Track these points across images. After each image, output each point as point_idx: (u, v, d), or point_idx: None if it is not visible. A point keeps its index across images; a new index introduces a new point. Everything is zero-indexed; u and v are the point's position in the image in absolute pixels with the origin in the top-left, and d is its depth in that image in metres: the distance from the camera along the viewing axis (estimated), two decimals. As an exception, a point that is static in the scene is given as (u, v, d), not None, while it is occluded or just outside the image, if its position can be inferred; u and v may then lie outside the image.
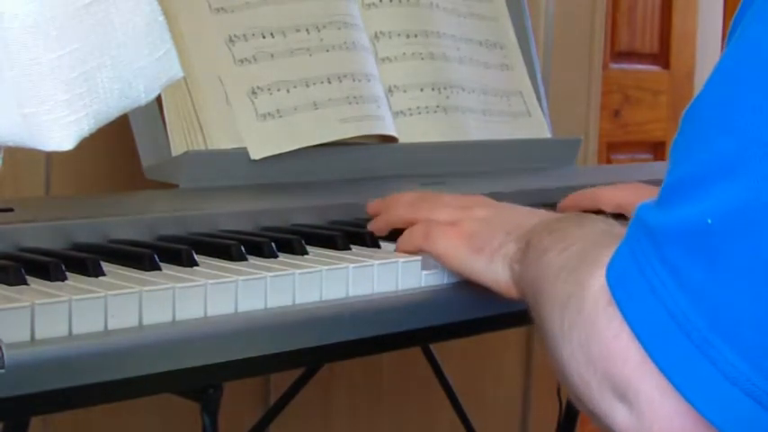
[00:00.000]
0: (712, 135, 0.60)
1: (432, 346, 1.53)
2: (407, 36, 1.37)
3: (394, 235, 1.01)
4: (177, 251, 0.89)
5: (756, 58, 0.59)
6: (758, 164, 0.57)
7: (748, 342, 0.57)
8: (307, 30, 1.25)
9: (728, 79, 0.61)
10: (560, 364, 0.67)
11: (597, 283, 0.64)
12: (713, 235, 0.58)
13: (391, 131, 1.30)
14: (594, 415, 0.65)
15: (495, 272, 0.89)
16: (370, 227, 1.04)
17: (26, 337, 0.72)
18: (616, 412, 0.62)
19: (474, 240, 0.93)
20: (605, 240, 0.70)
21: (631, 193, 1.15)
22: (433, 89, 1.37)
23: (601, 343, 0.62)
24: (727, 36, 0.64)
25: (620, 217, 1.15)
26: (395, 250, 0.98)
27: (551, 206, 1.14)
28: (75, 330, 0.74)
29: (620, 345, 0.61)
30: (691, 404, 0.58)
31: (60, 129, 0.56)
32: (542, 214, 0.91)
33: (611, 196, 1.17)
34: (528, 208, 0.95)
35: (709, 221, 0.58)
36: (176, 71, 0.60)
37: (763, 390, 0.57)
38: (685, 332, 0.58)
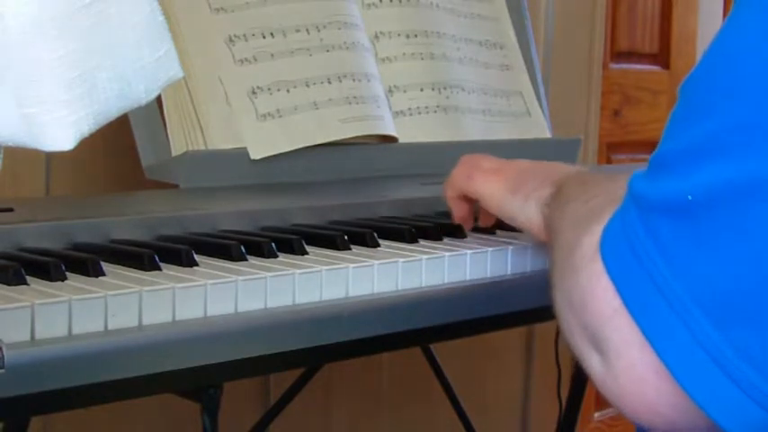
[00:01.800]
0: (703, 113, 0.63)
1: (432, 346, 1.53)
2: (407, 36, 1.37)
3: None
4: (177, 251, 0.89)
5: (749, 43, 0.61)
6: (743, 146, 0.60)
7: (720, 312, 0.60)
8: (307, 30, 1.25)
9: (724, 57, 0.63)
10: (555, 309, 0.71)
11: (591, 238, 0.67)
12: (694, 210, 0.61)
13: (391, 131, 1.30)
14: (577, 357, 0.68)
15: (528, 213, 0.94)
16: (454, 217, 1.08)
17: (26, 337, 0.72)
18: (591, 359, 0.66)
19: (512, 183, 0.98)
20: (616, 194, 0.73)
21: None
22: (433, 89, 1.37)
23: (580, 292, 0.66)
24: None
25: None
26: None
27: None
28: (75, 330, 0.74)
29: (596, 295, 0.64)
30: (660, 359, 0.61)
31: (60, 129, 0.56)
32: (571, 167, 0.96)
33: None
34: (558, 163, 1.00)
35: (690, 198, 0.61)
36: (176, 71, 0.60)
37: (728, 357, 0.60)
38: (664, 295, 0.61)
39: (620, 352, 0.63)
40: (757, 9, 0.62)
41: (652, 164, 0.65)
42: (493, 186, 1.01)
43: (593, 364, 0.66)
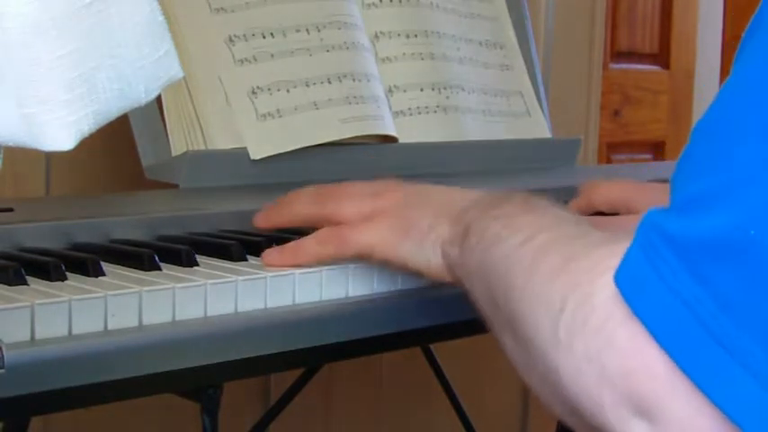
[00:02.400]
0: (736, 143, 0.57)
1: (432, 346, 1.53)
2: (407, 36, 1.37)
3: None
4: (177, 251, 0.89)
5: None
6: None
7: None
8: (307, 30, 1.25)
9: (750, 87, 0.59)
10: (551, 371, 0.64)
11: (606, 291, 0.60)
12: (755, 246, 0.55)
13: (391, 131, 1.30)
14: (599, 427, 0.62)
15: (425, 256, 0.83)
16: (256, 221, 0.95)
17: (26, 337, 0.72)
18: (633, 429, 0.59)
19: (399, 223, 0.86)
20: (585, 236, 0.67)
21: (626, 190, 1.11)
22: (433, 89, 1.37)
23: (621, 357, 0.59)
24: (742, 38, 0.63)
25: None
26: (264, 263, 0.88)
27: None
28: (75, 330, 0.74)
29: (645, 359, 0.58)
30: (734, 422, 0.56)
31: (60, 129, 0.56)
32: (466, 194, 0.85)
33: (605, 193, 1.12)
34: (443, 187, 0.88)
35: (753, 233, 0.55)
36: (176, 71, 0.60)
37: None
38: (726, 348, 0.56)
39: (685, 421, 0.57)
40: None
41: (683, 203, 0.59)
42: (375, 235, 0.87)
43: None
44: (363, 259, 0.89)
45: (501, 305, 0.70)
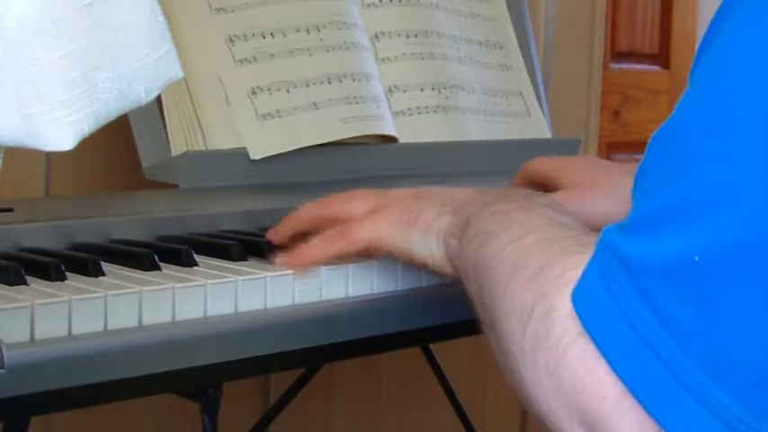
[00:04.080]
0: (693, 164, 0.58)
1: (432, 346, 1.53)
2: (407, 36, 1.37)
3: None
4: (177, 251, 0.89)
5: (738, 86, 0.57)
6: (746, 195, 0.55)
7: (740, 383, 0.56)
8: (307, 30, 1.25)
9: (704, 107, 0.59)
10: (519, 377, 0.65)
11: (566, 306, 0.61)
12: (700, 273, 0.56)
13: (391, 131, 1.30)
14: None
15: (429, 247, 0.83)
16: (269, 235, 0.95)
17: (26, 337, 0.72)
18: None
19: (405, 215, 0.86)
20: (563, 240, 0.67)
21: (559, 161, 1.07)
22: (432, 89, 1.37)
23: (573, 375, 0.60)
24: (695, 57, 0.62)
25: None
26: (286, 260, 0.88)
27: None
28: (75, 330, 0.74)
29: (595, 379, 0.59)
30: None
31: (60, 129, 0.56)
32: (471, 190, 0.85)
33: (537, 166, 1.09)
34: (456, 189, 0.88)
35: (697, 259, 0.56)
36: (176, 71, 0.60)
37: (754, 430, 0.56)
38: (673, 372, 0.57)
39: None
40: (749, 50, 0.57)
41: (638, 222, 0.60)
42: (380, 225, 0.87)
43: None
44: (371, 253, 0.89)
45: (486, 304, 0.71)
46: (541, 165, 1.08)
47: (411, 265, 0.88)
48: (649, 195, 0.60)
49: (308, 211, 0.94)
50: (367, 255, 0.89)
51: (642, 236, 0.58)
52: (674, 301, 0.57)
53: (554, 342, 0.61)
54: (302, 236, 0.93)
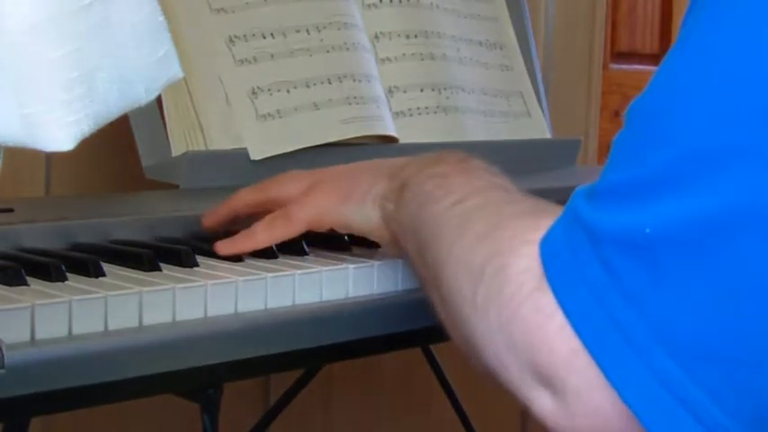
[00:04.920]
0: (656, 143, 0.60)
1: (432, 347, 1.53)
2: (407, 36, 1.37)
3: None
4: (177, 251, 0.89)
5: (707, 64, 0.59)
6: (702, 179, 0.57)
7: (685, 351, 0.58)
8: (307, 30, 1.25)
9: (679, 82, 0.61)
10: (468, 334, 0.66)
11: (522, 262, 0.63)
12: (653, 245, 0.58)
13: (391, 132, 1.30)
14: (509, 391, 0.65)
15: (366, 214, 0.85)
16: (204, 221, 0.95)
17: (26, 337, 0.72)
18: (537, 397, 0.62)
19: (340, 188, 0.88)
20: (513, 204, 0.69)
21: None
22: (433, 89, 1.37)
23: (526, 329, 0.62)
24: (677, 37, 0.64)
25: None
26: (229, 246, 0.89)
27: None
28: (75, 330, 0.74)
29: (547, 333, 0.61)
30: (623, 400, 0.59)
31: (60, 129, 0.56)
32: (405, 157, 0.87)
33: None
34: (390, 159, 0.90)
35: (648, 231, 0.58)
36: (176, 71, 0.60)
37: (695, 397, 0.58)
38: (624, 335, 0.59)
39: (581, 394, 0.60)
40: (710, 30, 0.59)
41: (601, 191, 0.62)
42: (320, 203, 0.89)
43: (542, 402, 0.62)
44: (313, 229, 0.90)
45: (429, 263, 0.72)
46: None
47: (348, 233, 0.90)
48: (616, 166, 0.62)
49: (244, 197, 0.95)
50: (309, 229, 0.91)
51: (605, 204, 0.61)
52: (628, 270, 0.59)
53: (507, 297, 0.63)
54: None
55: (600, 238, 0.60)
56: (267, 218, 0.91)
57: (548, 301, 0.61)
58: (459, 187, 0.73)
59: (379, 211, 0.84)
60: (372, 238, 0.87)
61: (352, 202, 0.87)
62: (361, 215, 0.86)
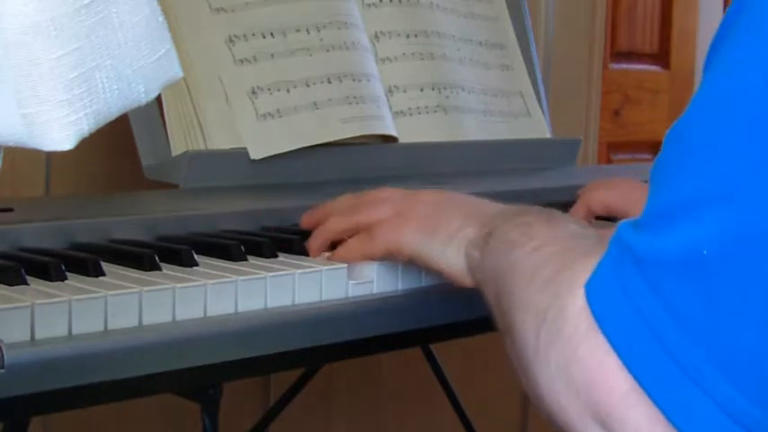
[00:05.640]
0: (703, 159, 0.59)
1: (432, 347, 1.53)
2: (407, 36, 1.37)
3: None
4: (177, 251, 0.89)
5: (748, 80, 0.58)
6: (753, 190, 0.56)
7: (747, 375, 0.56)
8: (307, 30, 1.25)
9: (717, 102, 0.59)
10: (533, 379, 0.65)
11: (578, 303, 0.62)
12: (707, 266, 0.57)
13: (391, 131, 1.30)
14: None
15: (449, 257, 0.84)
16: (309, 247, 0.96)
17: (26, 337, 0.72)
18: None
19: (427, 223, 0.87)
20: (581, 248, 0.68)
21: (623, 194, 1.11)
22: (433, 89, 1.37)
23: (584, 369, 0.61)
24: (708, 53, 0.63)
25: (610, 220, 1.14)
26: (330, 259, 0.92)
27: (552, 206, 1.13)
28: (75, 330, 0.74)
29: (605, 373, 0.60)
30: None
31: (60, 129, 0.56)
32: (496, 203, 0.87)
33: (602, 198, 1.13)
34: (481, 199, 0.90)
35: (705, 252, 0.56)
36: (176, 71, 0.60)
37: (762, 424, 0.56)
38: (681, 366, 0.57)
39: None
40: (757, 46, 0.58)
41: (649, 217, 0.60)
42: (403, 231, 0.89)
43: None
44: (391, 257, 0.90)
45: (504, 310, 0.71)
46: (607, 198, 1.10)
47: (425, 269, 0.90)
48: (661, 190, 0.61)
49: (336, 225, 0.96)
50: (387, 257, 0.91)
51: (653, 230, 0.59)
52: (683, 295, 0.57)
53: (565, 338, 0.62)
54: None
55: (649, 264, 0.59)
56: (358, 236, 0.93)
57: (603, 340, 0.60)
58: (540, 235, 0.73)
59: (464, 258, 0.83)
60: (455, 282, 0.85)
61: (436, 240, 0.86)
62: (445, 256, 0.85)
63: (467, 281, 0.83)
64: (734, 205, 0.57)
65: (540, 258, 0.69)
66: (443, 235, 0.85)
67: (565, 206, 1.11)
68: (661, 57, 2.51)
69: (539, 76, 1.53)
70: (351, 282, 0.90)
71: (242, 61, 1.20)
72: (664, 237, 0.58)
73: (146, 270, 0.85)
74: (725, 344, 0.57)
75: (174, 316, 0.79)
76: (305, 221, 1.00)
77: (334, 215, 0.97)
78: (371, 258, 0.91)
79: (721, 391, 0.57)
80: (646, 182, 0.66)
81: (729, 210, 0.57)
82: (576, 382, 0.61)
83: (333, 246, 0.96)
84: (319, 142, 1.23)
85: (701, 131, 0.60)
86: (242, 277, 0.84)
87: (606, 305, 0.60)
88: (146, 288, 0.79)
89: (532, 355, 0.65)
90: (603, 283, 0.61)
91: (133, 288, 0.78)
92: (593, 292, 0.61)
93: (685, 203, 0.58)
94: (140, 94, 0.59)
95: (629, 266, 0.59)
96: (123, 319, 0.77)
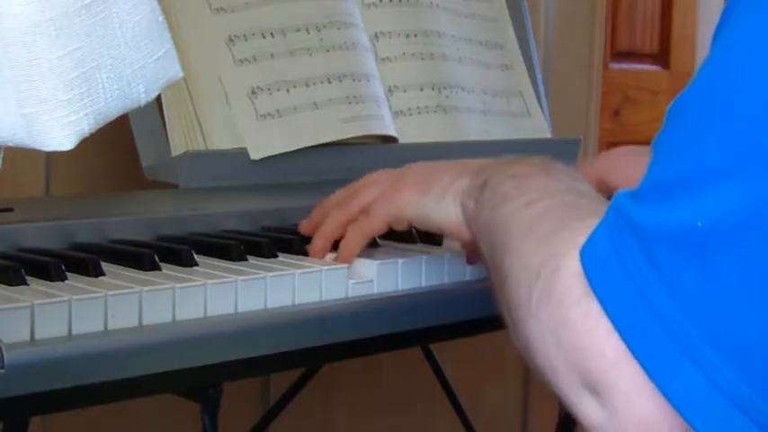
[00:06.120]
0: (704, 135, 0.59)
1: (432, 346, 1.53)
2: (407, 36, 1.37)
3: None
4: (177, 251, 0.89)
5: (750, 59, 0.58)
6: (753, 168, 0.56)
7: (738, 349, 0.57)
8: (307, 30, 1.25)
9: (720, 78, 0.59)
10: (524, 334, 0.65)
11: (571, 266, 0.62)
12: (704, 239, 0.57)
13: (391, 131, 1.30)
14: (558, 396, 0.64)
15: (445, 209, 0.85)
16: (310, 251, 0.96)
17: (26, 337, 0.72)
18: (585, 403, 0.61)
19: (420, 183, 0.88)
20: (579, 207, 0.68)
21: (592, 171, 1.08)
22: (432, 89, 1.37)
23: (574, 333, 0.61)
24: (714, 31, 0.63)
25: None
26: (336, 259, 0.92)
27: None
28: (75, 330, 0.74)
29: (595, 338, 0.60)
30: (673, 406, 0.58)
31: (60, 129, 0.56)
32: (487, 158, 0.86)
33: (591, 172, 1.09)
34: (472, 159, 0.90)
35: (700, 224, 0.57)
36: (176, 71, 0.60)
37: (749, 398, 0.56)
38: (672, 336, 0.57)
39: (628, 400, 0.59)
40: (756, 24, 0.58)
41: (647, 189, 0.61)
42: (398, 197, 0.90)
43: (589, 408, 0.61)
44: (394, 225, 0.91)
45: (497, 263, 0.71)
46: (585, 173, 1.09)
47: (425, 228, 0.90)
48: (661, 163, 0.61)
49: (334, 221, 0.96)
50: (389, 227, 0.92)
51: (652, 201, 0.59)
52: (678, 266, 0.57)
53: (558, 300, 0.62)
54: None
55: (647, 235, 0.59)
56: (354, 223, 0.93)
57: (596, 306, 0.60)
58: (535, 188, 0.73)
59: (459, 209, 0.83)
60: (451, 237, 0.86)
61: (431, 195, 0.87)
62: (441, 209, 0.85)
63: (464, 233, 0.83)
64: (733, 181, 0.57)
65: (536, 213, 0.69)
66: (437, 190, 0.86)
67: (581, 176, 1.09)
68: (661, 57, 2.51)
69: (539, 76, 1.53)
70: (350, 281, 0.89)
71: (242, 61, 1.20)
72: (662, 208, 0.59)
73: (146, 270, 0.86)
74: (718, 317, 0.57)
75: (173, 316, 0.79)
76: (304, 228, 1.00)
77: (331, 212, 0.97)
78: (372, 234, 0.91)
79: (711, 363, 0.57)
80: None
81: (728, 185, 0.57)
82: (566, 344, 0.61)
83: (336, 245, 0.96)
84: (319, 142, 1.22)
85: (702, 107, 0.60)
86: (242, 277, 0.84)
87: (601, 271, 0.60)
88: (146, 288, 0.79)
89: (524, 312, 0.65)
90: (599, 250, 0.61)
91: (133, 288, 0.78)
92: (589, 258, 0.61)
93: (685, 177, 0.59)
94: (140, 94, 0.59)
95: (626, 235, 0.60)
96: (123, 319, 0.77)
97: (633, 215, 0.60)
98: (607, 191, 1.04)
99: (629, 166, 1.02)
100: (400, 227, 0.92)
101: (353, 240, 0.92)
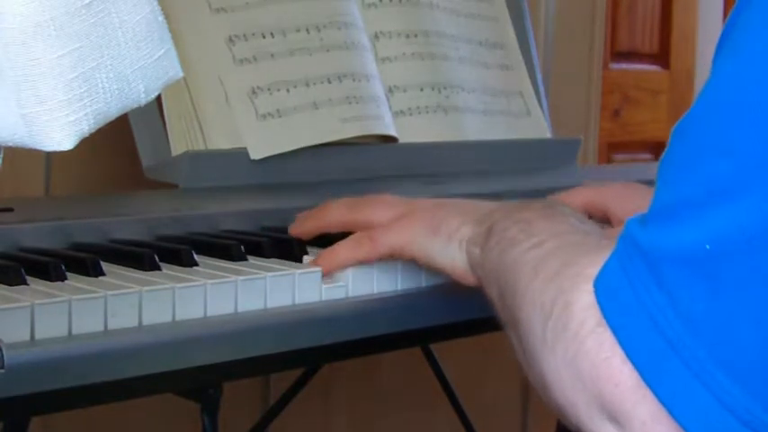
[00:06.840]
0: (709, 155, 0.59)
1: (432, 347, 1.53)
2: (407, 36, 1.37)
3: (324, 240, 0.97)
4: (177, 251, 0.89)
5: (753, 76, 0.58)
6: (759, 187, 0.56)
7: (747, 372, 0.57)
8: (307, 30, 1.25)
9: (724, 97, 0.59)
10: (539, 371, 0.66)
11: (584, 298, 0.62)
12: (713, 261, 0.57)
13: (391, 131, 1.30)
14: (578, 428, 0.64)
15: (451, 255, 0.86)
16: (292, 229, 0.97)
17: (26, 337, 0.72)
18: (604, 431, 0.62)
19: (429, 223, 0.88)
20: (584, 244, 0.68)
21: (589, 197, 1.07)
22: (433, 89, 1.37)
23: (591, 364, 0.61)
24: (715, 48, 0.63)
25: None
26: (314, 262, 0.91)
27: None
28: (75, 330, 0.74)
29: (611, 367, 0.60)
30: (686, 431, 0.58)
31: (60, 129, 0.56)
32: (494, 202, 0.88)
33: (571, 201, 1.11)
34: (480, 201, 0.91)
35: (708, 247, 0.57)
36: (176, 71, 0.60)
37: (762, 420, 0.57)
38: (683, 360, 0.58)
39: (647, 428, 0.59)
40: (759, 42, 0.58)
41: (655, 212, 0.61)
42: (405, 232, 0.90)
43: None
44: (393, 257, 0.91)
45: (508, 306, 0.72)
46: (588, 197, 1.09)
47: (428, 269, 0.91)
48: (668, 186, 0.61)
49: (334, 215, 0.97)
50: (389, 258, 0.92)
51: (660, 225, 0.60)
52: (687, 290, 0.58)
53: (572, 333, 0.62)
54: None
55: (656, 258, 0.59)
56: (354, 237, 0.92)
57: (609, 335, 0.60)
58: (540, 231, 0.73)
59: (465, 256, 0.84)
60: (457, 280, 0.87)
61: (438, 238, 0.87)
62: (446, 255, 0.86)
63: (470, 278, 0.84)
64: (740, 202, 0.57)
65: (542, 254, 0.70)
66: (443, 234, 0.87)
67: (585, 216, 1.09)
68: (661, 57, 2.51)
69: (539, 76, 1.53)
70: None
71: (242, 61, 1.20)
72: (670, 231, 0.59)
73: (145, 270, 0.85)
74: (727, 340, 0.57)
75: (173, 316, 0.79)
76: (294, 232, 0.99)
77: (336, 205, 0.97)
78: (367, 261, 0.91)
79: (723, 387, 0.57)
80: (650, 183, 0.66)
81: (735, 206, 0.57)
82: (584, 376, 0.62)
83: (320, 240, 0.95)
84: (319, 142, 1.23)
85: (707, 127, 0.60)
86: (242, 277, 0.84)
87: (613, 300, 0.61)
88: (145, 288, 0.79)
89: (540, 350, 0.65)
90: (611, 279, 0.61)
91: (133, 288, 0.78)
92: (602, 288, 0.62)
93: (690, 198, 0.59)
94: (140, 93, 0.59)
95: (637, 261, 0.60)
96: (123, 319, 0.77)
97: (642, 240, 0.60)
98: (607, 220, 1.05)
99: (635, 199, 1.02)
100: (400, 258, 0.92)
101: (348, 257, 0.91)
